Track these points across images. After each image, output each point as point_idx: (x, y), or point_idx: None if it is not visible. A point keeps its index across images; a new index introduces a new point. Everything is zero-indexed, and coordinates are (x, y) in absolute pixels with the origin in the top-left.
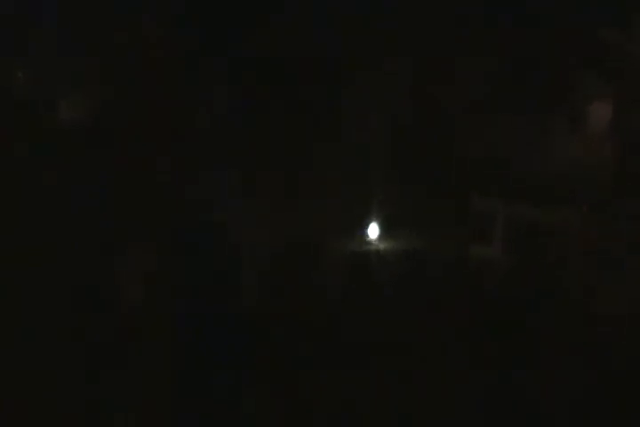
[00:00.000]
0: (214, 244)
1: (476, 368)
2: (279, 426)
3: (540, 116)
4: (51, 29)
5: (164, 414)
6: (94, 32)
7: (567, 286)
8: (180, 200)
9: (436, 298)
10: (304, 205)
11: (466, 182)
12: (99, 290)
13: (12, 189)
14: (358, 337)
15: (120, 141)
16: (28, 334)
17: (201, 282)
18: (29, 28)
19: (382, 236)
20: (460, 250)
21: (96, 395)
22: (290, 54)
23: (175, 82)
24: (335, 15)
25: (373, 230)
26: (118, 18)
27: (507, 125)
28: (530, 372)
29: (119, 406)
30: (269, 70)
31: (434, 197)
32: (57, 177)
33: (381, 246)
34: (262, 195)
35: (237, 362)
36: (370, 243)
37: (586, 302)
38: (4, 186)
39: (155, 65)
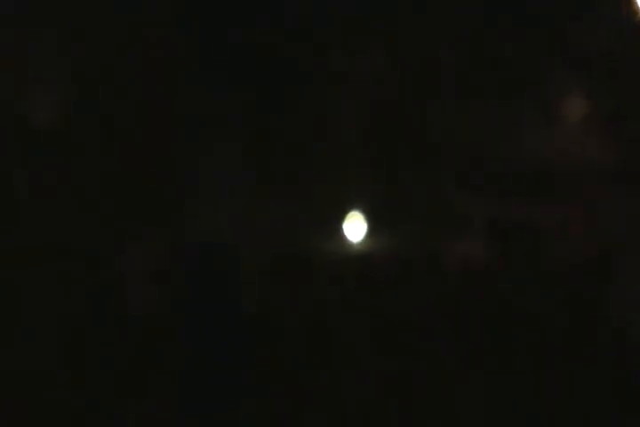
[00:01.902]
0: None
1: (462, 368)
2: None
3: (519, 111)
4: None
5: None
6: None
7: (554, 284)
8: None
9: (420, 297)
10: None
11: (446, 179)
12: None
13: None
14: (345, 338)
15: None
16: (28, 336)
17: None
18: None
19: (362, 235)
20: (442, 249)
21: (96, 397)
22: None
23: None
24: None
25: (352, 230)
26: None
27: (484, 120)
28: (519, 372)
29: (119, 408)
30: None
31: (414, 195)
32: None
33: (361, 246)
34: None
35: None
36: (350, 243)
37: (574, 301)
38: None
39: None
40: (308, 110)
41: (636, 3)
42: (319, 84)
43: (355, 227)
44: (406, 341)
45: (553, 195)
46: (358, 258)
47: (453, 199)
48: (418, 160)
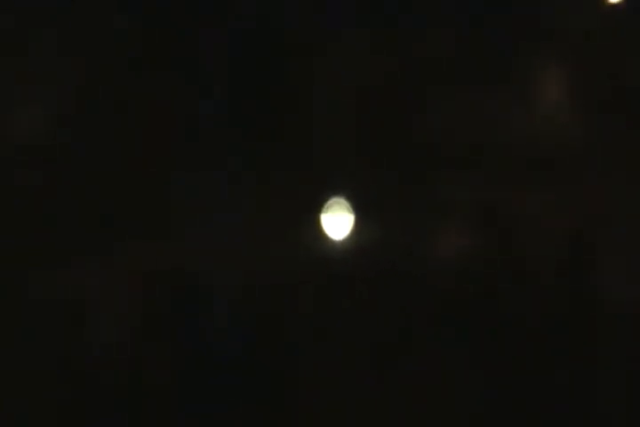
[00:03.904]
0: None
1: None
2: None
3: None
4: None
5: None
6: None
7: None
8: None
9: (404, 287)
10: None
11: (429, 169)
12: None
13: None
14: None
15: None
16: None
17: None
18: None
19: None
20: (426, 239)
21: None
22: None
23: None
24: None
25: (334, 222)
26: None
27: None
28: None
29: None
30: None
31: (397, 186)
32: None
33: (345, 244)
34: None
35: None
36: (333, 240)
37: (556, 288)
38: None
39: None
40: (287, 107)
41: None
42: (302, 79)
43: (338, 223)
44: (395, 340)
45: (540, 182)
46: (342, 256)
47: (440, 190)
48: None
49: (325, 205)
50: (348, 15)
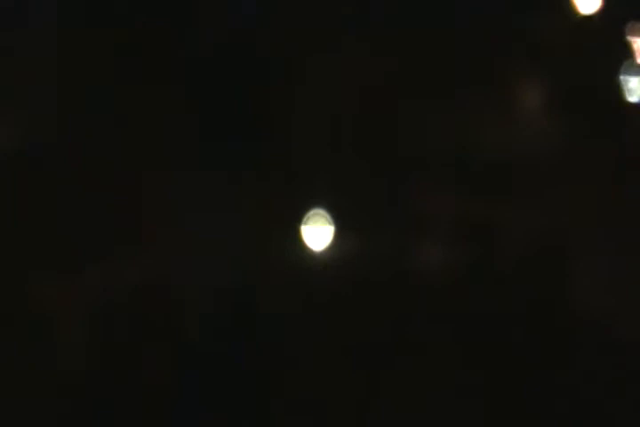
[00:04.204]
0: None
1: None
2: None
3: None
4: None
5: None
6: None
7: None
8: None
9: (384, 298)
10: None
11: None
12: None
13: None
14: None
15: None
16: None
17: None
18: None
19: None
20: (406, 251)
21: None
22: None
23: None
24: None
25: (314, 233)
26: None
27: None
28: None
29: None
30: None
31: (378, 197)
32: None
33: (323, 250)
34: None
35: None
36: (312, 246)
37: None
38: None
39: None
40: (266, 116)
41: None
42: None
43: (319, 234)
44: (374, 351)
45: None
46: (322, 267)
47: (421, 201)
48: (384, 165)
49: (305, 217)
50: (327, 18)
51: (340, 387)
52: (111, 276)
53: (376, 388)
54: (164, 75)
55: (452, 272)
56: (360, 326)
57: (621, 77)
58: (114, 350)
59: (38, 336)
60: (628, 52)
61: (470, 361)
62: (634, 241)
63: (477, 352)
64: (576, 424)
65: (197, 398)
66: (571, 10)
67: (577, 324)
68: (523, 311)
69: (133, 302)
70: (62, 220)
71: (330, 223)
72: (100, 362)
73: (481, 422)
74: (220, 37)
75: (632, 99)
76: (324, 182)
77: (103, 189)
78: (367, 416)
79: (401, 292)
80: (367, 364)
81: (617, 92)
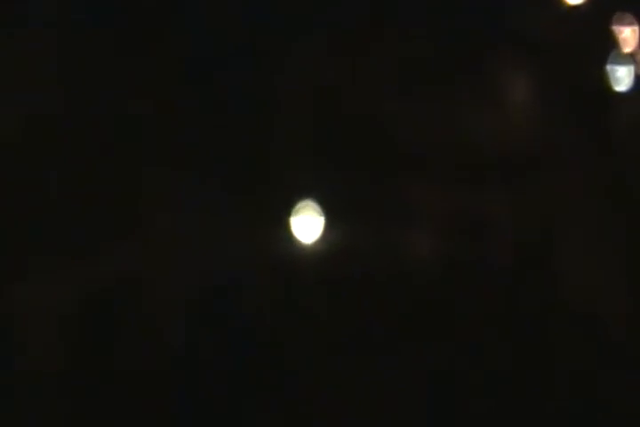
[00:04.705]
0: None
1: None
2: None
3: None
4: None
5: None
6: None
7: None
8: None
9: (370, 290)
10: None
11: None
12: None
13: None
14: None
15: None
16: None
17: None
18: None
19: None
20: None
21: None
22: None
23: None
24: None
25: (303, 225)
26: None
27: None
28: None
29: None
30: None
31: (368, 188)
32: None
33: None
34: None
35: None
36: (302, 238)
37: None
38: None
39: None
40: (254, 109)
41: None
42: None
43: (309, 226)
44: (365, 343)
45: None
46: (312, 259)
47: (411, 192)
48: (373, 155)
49: (295, 208)
50: (309, 16)
51: (329, 380)
52: (94, 272)
53: (367, 380)
54: (148, 75)
55: (442, 264)
56: (352, 318)
57: (608, 67)
58: (97, 349)
59: (10, 336)
60: (614, 41)
61: (461, 353)
62: (620, 231)
63: (469, 344)
64: (574, 424)
65: (184, 394)
66: (558, 0)
67: (569, 318)
68: (514, 305)
69: (122, 297)
70: (59, 218)
71: (320, 215)
72: (80, 361)
73: (480, 420)
74: (206, 38)
75: (619, 88)
76: (314, 174)
77: (89, 188)
78: (357, 410)
79: (392, 284)
80: (357, 355)
81: (604, 81)
